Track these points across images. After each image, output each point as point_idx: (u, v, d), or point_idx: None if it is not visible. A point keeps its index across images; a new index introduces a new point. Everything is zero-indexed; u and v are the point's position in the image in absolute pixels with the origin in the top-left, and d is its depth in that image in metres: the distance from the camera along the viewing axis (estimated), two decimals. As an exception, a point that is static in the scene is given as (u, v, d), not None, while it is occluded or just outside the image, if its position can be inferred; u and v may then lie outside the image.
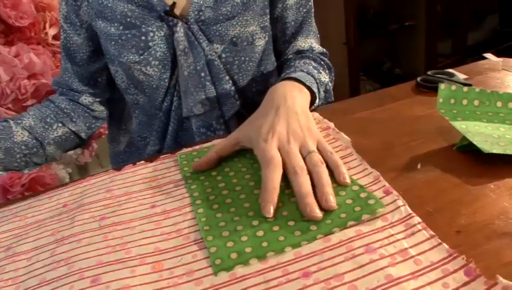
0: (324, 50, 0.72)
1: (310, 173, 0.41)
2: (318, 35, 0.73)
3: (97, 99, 0.72)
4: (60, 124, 0.67)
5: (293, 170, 0.41)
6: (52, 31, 1.12)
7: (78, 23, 0.66)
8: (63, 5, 0.65)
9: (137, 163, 0.54)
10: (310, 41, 0.70)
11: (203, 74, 0.63)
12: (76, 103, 0.69)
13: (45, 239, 0.43)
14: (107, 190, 0.49)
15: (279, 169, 0.42)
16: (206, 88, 0.64)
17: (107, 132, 1.26)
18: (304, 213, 0.38)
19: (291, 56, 0.70)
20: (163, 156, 0.54)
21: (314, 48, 0.70)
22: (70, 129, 0.68)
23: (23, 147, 0.62)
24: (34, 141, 0.63)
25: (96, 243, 0.40)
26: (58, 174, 1.17)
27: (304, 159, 0.43)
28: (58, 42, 1.13)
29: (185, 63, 0.63)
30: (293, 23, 0.68)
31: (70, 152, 1.20)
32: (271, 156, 0.42)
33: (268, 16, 0.66)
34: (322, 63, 0.67)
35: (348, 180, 0.41)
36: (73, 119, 0.68)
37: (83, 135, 0.70)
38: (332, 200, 0.38)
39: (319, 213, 0.37)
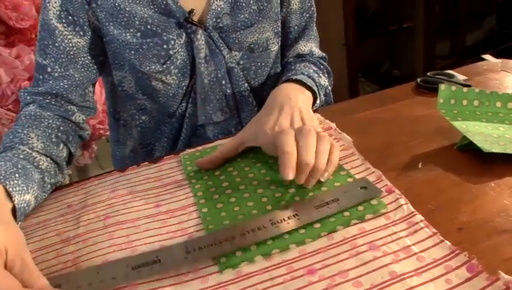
0: (324, 54, 0.72)
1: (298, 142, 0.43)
2: (318, 39, 0.73)
3: (87, 117, 0.62)
4: (62, 145, 0.55)
5: (298, 130, 0.43)
6: (52, 33, 1.12)
7: (87, 23, 0.58)
8: (53, 2, 0.56)
9: (141, 164, 0.54)
10: (310, 45, 0.71)
11: (223, 82, 0.63)
12: (67, 121, 0.58)
13: (50, 239, 0.44)
14: (112, 190, 0.50)
15: (292, 135, 0.43)
16: (227, 95, 0.64)
17: (108, 134, 1.26)
18: (280, 169, 0.40)
19: (291, 59, 0.71)
20: (166, 157, 0.55)
21: (314, 52, 0.71)
22: (70, 150, 0.57)
23: (52, 173, 0.52)
24: (54, 166, 0.53)
25: (102, 242, 0.41)
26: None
27: None
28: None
29: (205, 71, 0.62)
30: (296, 28, 0.69)
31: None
32: (283, 130, 0.45)
33: (280, 21, 0.67)
34: (322, 67, 0.68)
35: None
36: (70, 139, 0.57)
37: (67, 158, 0.57)
38: (303, 178, 0.41)
39: (290, 176, 0.40)
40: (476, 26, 2.50)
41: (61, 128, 0.56)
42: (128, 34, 0.58)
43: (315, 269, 0.33)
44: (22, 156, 0.49)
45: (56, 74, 0.58)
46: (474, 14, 2.44)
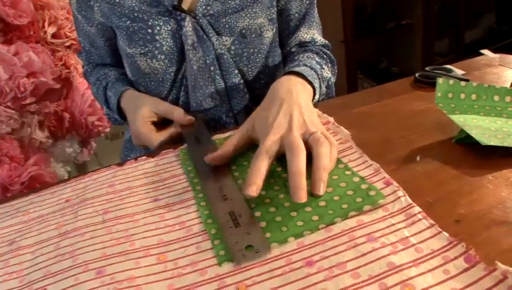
0: (326, 42, 0.72)
1: (310, 151, 0.42)
2: (320, 26, 0.73)
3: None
4: None
5: (290, 147, 0.42)
6: (51, 30, 1.11)
7: (92, 17, 0.67)
8: None
9: (139, 158, 0.54)
10: (312, 32, 0.70)
11: (212, 68, 0.64)
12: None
13: (48, 233, 0.44)
14: (110, 185, 0.50)
15: (268, 158, 0.43)
16: (216, 82, 0.65)
17: (107, 130, 1.26)
18: (290, 193, 0.39)
19: (294, 49, 0.70)
20: (164, 151, 0.55)
21: (316, 40, 0.70)
22: None
23: None
24: None
25: (100, 236, 0.41)
26: (57, 173, 1.17)
27: (307, 141, 0.44)
28: (57, 41, 1.13)
29: (193, 58, 0.63)
30: (296, 15, 0.69)
31: (70, 150, 1.20)
32: (266, 147, 0.44)
33: (276, 8, 0.67)
34: (325, 56, 0.68)
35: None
36: None
37: None
38: (321, 190, 0.39)
39: (304, 198, 0.38)
40: (475, 24, 2.49)
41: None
42: (121, 22, 0.63)
43: (313, 260, 0.33)
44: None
45: (87, 48, 0.74)
46: (473, 11, 2.44)
